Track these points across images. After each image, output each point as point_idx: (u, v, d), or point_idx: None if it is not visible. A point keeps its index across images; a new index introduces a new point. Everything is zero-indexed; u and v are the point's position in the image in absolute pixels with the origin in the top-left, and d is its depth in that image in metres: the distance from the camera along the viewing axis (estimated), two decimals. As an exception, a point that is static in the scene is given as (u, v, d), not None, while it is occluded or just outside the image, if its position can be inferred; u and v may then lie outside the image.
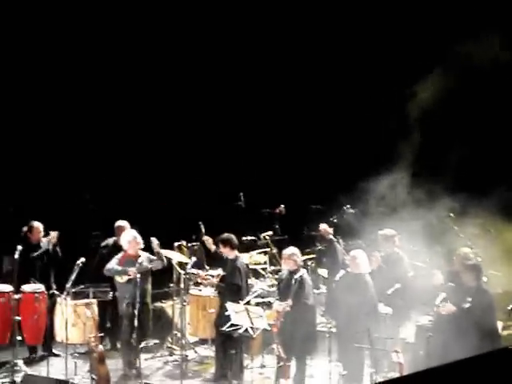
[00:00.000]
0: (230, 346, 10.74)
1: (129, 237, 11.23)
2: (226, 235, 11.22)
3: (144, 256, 11.20)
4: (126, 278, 11.01)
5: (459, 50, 13.18)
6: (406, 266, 11.20)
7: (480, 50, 13.09)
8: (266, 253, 13.43)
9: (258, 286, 11.96)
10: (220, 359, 11.10)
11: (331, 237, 11.56)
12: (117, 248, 11.73)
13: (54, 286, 11.70)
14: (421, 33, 14.81)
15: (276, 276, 12.25)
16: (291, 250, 10.82)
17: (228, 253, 11.11)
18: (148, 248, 11.31)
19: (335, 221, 12.45)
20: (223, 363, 11.02)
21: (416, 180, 12.76)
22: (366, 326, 10.20)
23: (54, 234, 11.85)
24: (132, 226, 11.91)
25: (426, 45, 14.64)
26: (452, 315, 9.89)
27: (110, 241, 12.24)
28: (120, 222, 12.23)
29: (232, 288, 10.85)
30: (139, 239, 11.22)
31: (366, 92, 15.59)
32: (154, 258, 11.21)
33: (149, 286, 11.19)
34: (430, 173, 13.19)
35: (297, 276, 10.40)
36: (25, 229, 11.99)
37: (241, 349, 10.88)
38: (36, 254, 11.83)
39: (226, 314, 10.38)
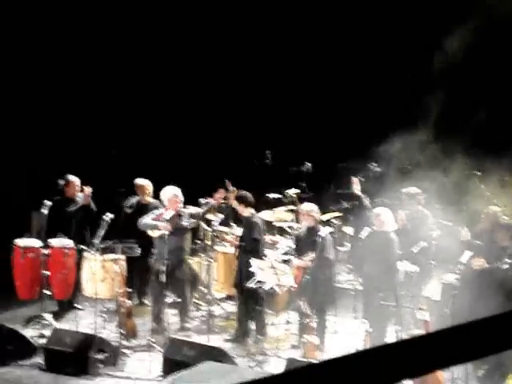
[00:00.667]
0: (252, 302, 10.81)
1: (169, 194, 11.23)
2: (241, 192, 11.22)
3: (186, 213, 11.23)
4: (158, 232, 11.07)
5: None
6: (430, 224, 11.19)
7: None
8: (292, 211, 13.43)
9: (283, 243, 11.98)
10: (242, 317, 11.15)
11: (360, 193, 11.55)
12: (141, 206, 11.79)
13: (87, 244, 11.70)
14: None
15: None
16: (309, 206, 10.87)
17: (243, 210, 11.08)
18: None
19: (361, 178, 12.43)
20: (245, 321, 11.08)
21: (440, 138, 12.69)
22: (390, 283, 10.25)
23: (88, 190, 11.89)
24: (159, 184, 11.94)
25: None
26: (482, 272, 9.89)
27: (134, 200, 12.25)
28: (140, 181, 12.23)
29: (252, 244, 10.85)
30: (180, 196, 11.25)
31: (392, 46, 15.47)
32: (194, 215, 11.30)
33: (185, 243, 11.24)
34: (453, 132, 13.12)
35: (319, 233, 10.46)
36: (61, 182, 12.03)
37: (262, 305, 10.94)
38: (73, 209, 11.90)
39: (251, 270, 10.44)
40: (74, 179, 12.06)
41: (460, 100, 14.13)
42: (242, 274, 10.81)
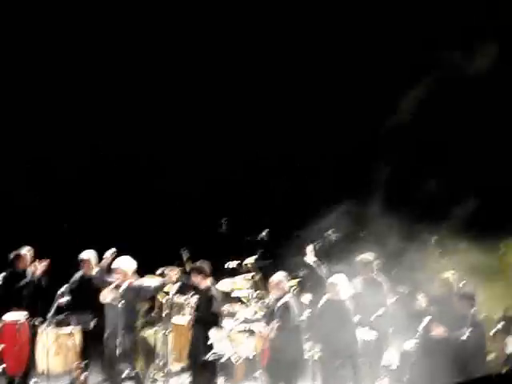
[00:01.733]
0: (207, 375, 10.63)
1: (130, 266, 11.00)
2: (199, 263, 11.06)
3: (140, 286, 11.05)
4: (108, 299, 10.86)
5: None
6: (385, 291, 11.21)
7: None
8: (250, 279, 13.35)
9: (241, 313, 11.87)
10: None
11: (312, 262, 11.53)
12: (87, 280, 11.62)
13: (40, 317, 11.51)
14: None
15: (261, 301, 12.17)
16: (279, 276, 10.73)
17: (200, 282, 10.93)
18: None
19: (318, 246, 12.42)
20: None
21: (393, 206, 12.81)
22: (348, 351, 10.20)
23: (42, 264, 11.71)
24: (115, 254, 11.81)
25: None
26: (441, 340, 9.90)
27: (77, 275, 12.04)
28: (85, 255, 12.06)
29: (210, 317, 10.70)
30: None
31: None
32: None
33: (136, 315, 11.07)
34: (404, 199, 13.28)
35: (282, 301, 10.39)
36: (12, 255, 11.87)
37: (217, 377, 10.76)
38: (22, 283, 11.72)
39: (208, 342, 10.32)
40: (25, 252, 11.87)
41: (411, 166, 14.33)
42: (197, 346, 10.65)
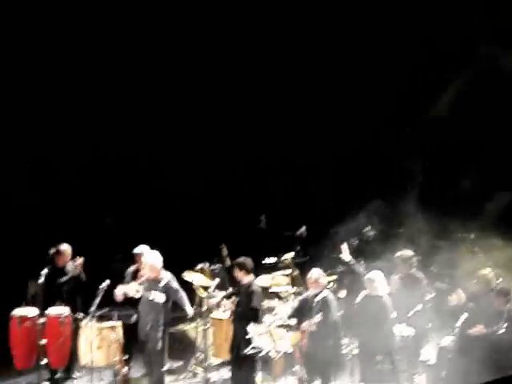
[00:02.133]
0: (247, 368, 10.78)
1: (159, 261, 11.15)
2: (241, 259, 11.19)
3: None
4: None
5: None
6: (424, 287, 11.25)
7: None
8: (287, 275, 13.49)
9: (280, 308, 12.00)
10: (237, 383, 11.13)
11: (348, 259, 11.63)
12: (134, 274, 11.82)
13: (81, 312, 11.73)
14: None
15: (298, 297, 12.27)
16: (317, 273, 10.81)
17: (242, 277, 11.09)
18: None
19: (355, 243, 12.53)
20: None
21: (429, 203, 12.86)
22: (386, 347, 10.30)
23: (79, 261, 11.93)
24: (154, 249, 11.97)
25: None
26: (481, 336, 9.97)
27: (131, 270, 12.22)
28: (138, 250, 12.22)
29: (250, 312, 10.84)
30: None
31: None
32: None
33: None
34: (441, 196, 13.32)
35: (321, 295, 10.50)
36: (52, 251, 12.08)
37: (256, 371, 10.90)
38: (63, 279, 11.92)
39: (247, 336, 10.45)
40: (65, 248, 12.05)
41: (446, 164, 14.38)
42: (238, 341, 10.80)
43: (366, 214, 13.15)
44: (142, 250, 11.95)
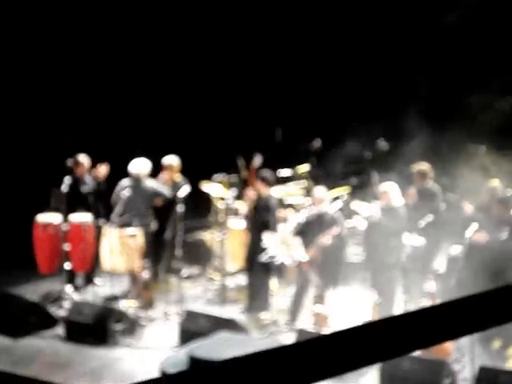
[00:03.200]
0: (262, 275, 11.16)
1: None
2: (264, 173, 11.54)
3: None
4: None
5: None
6: (439, 200, 11.39)
7: None
8: (302, 187, 13.72)
9: (293, 218, 12.28)
10: (253, 290, 11.47)
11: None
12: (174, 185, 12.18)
13: (103, 219, 12.06)
14: None
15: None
16: (321, 192, 11.09)
17: (264, 190, 11.41)
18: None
19: (369, 154, 12.70)
20: (256, 293, 11.40)
21: (442, 117, 12.94)
22: (397, 257, 10.59)
23: (101, 170, 12.22)
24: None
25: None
26: (485, 245, 10.23)
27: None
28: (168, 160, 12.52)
29: (266, 223, 11.16)
30: None
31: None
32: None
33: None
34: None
35: (331, 212, 10.81)
36: (70, 163, 12.34)
37: (271, 278, 11.29)
38: (85, 189, 12.18)
39: (262, 244, 10.78)
40: (83, 160, 12.26)
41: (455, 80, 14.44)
42: (254, 249, 11.15)
43: (378, 125, 13.23)
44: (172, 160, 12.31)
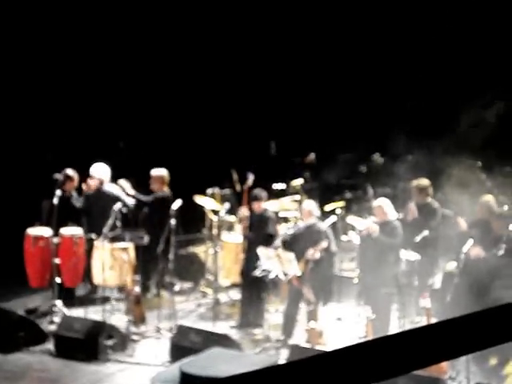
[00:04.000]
0: (256, 291, 11.06)
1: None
2: (254, 191, 11.48)
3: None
4: None
5: None
6: (439, 216, 11.31)
7: None
8: (296, 201, 13.66)
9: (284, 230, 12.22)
10: (246, 305, 11.40)
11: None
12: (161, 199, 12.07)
13: (94, 233, 11.96)
14: None
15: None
16: (310, 204, 11.04)
17: (256, 208, 11.36)
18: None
19: (364, 169, 12.64)
20: (249, 308, 11.31)
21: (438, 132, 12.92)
22: (393, 271, 10.50)
23: (90, 184, 12.17)
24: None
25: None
26: (480, 261, 10.14)
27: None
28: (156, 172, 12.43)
29: (266, 239, 11.07)
30: None
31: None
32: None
33: None
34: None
35: (320, 226, 10.73)
36: (59, 177, 12.18)
37: (266, 293, 11.19)
38: (75, 201, 12.11)
39: (257, 259, 10.69)
40: (73, 173, 12.22)
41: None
42: (250, 265, 11.05)
43: (375, 140, 13.22)
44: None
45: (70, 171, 12.21)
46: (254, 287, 11.09)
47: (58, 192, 11.71)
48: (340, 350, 2.25)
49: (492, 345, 2.35)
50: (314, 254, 10.59)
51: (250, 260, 11.06)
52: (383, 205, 10.76)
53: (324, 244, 10.56)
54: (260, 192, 11.45)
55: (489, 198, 10.98)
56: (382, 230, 10.55)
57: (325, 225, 10.91)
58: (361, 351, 2.28)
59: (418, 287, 10.73)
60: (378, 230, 10.52)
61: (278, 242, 11.26)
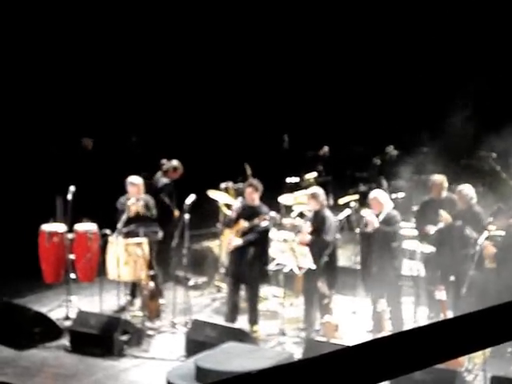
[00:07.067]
0: (257, 288, 11.03)
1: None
2: (255, 181, 11.30)
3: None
4: None
5: None
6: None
7: None
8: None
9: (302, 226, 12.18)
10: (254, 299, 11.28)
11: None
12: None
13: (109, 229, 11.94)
14: None
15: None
16: (314, 190, 11.01)
17: (251, 198, 11.12)
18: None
19: (377, 161, 12.60)
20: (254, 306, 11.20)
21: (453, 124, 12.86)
22: (399, 262, 10.48)
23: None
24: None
25: None
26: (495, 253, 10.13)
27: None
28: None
29: (261, 234, 11.01)
30: None
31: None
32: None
33: None
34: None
35: (321, 213, 10.69)
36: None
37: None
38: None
39: (271, 254, 10.66)
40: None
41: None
42: (253, 260, 10.96)
43: (388, 133, 13.17)
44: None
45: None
46: (257, 284, 11.05)
47: (72, 187, 11.65)
48: (356, 345, 2.23)
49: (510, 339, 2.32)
50: (302, 238, 10.58)
51: (254, 257, 10.96)
52: (378, 196, 10.74)
53: (307, 227, 10.53)
54: (258, 183, 11.27)
55: (464, 187, 10.80)
56: (381, 221, 10.52)
57: (342, 217, 10.81)
58: (378, 347, 2.26)
59: (433, 279, 10.67)
60: (377, 220, 10.49)
61: (290, 234, 11.26)
